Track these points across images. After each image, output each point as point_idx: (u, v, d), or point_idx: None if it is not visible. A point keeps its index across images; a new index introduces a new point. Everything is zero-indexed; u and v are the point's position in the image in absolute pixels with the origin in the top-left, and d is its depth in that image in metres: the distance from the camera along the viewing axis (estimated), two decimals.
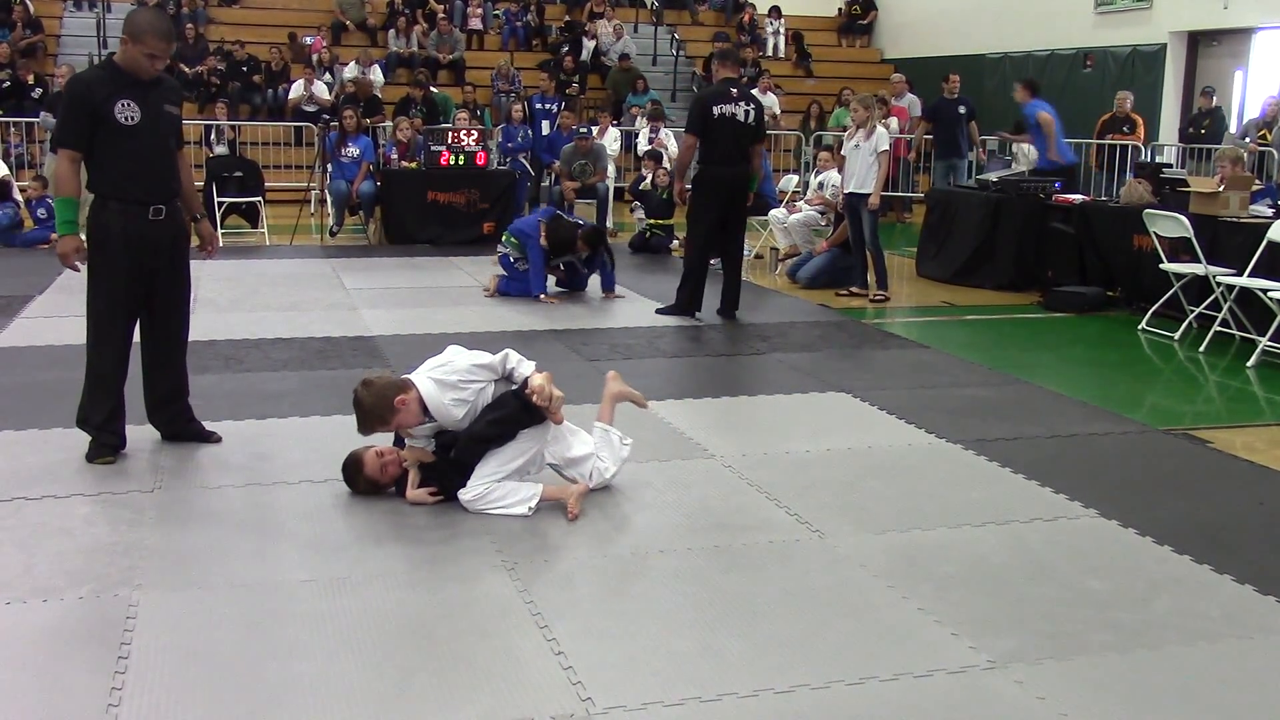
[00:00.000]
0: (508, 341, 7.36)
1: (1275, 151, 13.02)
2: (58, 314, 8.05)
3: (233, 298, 8.70)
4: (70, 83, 4.90)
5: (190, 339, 7.16)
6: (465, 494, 4.33)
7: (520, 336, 7.56)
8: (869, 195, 9.31)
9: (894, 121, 16.11)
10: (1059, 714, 3.06)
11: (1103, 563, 4.07)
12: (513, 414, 4.34)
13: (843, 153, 9.94)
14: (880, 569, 3.97)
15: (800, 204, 11.55)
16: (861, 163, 9.38)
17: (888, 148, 9.31)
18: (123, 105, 4.68)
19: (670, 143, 14.27)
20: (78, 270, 4.92)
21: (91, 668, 3.18)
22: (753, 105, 8.26)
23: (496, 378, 4.45)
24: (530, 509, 4.32)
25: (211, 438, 5.17)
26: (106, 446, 4.91)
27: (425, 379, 4.38)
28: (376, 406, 4.33)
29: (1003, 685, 3.21)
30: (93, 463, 4.85)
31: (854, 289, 9.57)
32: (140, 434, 5.22)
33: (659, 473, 4.92)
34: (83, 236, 4.88)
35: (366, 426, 4.40)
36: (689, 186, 8.60)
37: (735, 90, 8.18)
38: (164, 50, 4.74)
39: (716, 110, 8.00)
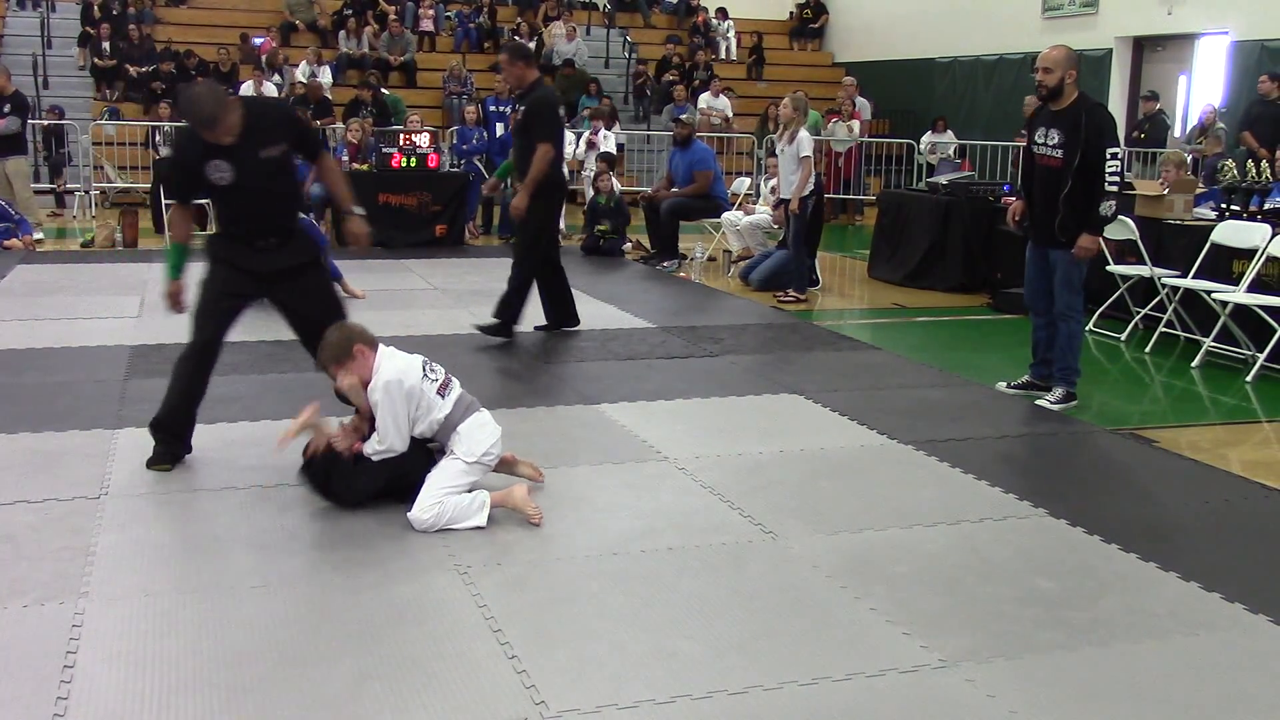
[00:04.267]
0: (461, 343, 7.36)
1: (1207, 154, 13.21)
2: (0, 318, 7.92)
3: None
4: (173, 141, 4.84)
5: (138, 343, 7.12)
6: (418, 518, 4.24)
7: (473, 338, 7.53)
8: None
9: (855, 124, 16.26)
10: (1009, 711, 3.09)
11: (1051, 561, 4.12)
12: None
13: (776, 152, 9.98)
14: (833, 569, 4.00)
15: (755, 206, 11.61)
16: (786, 168, 9.49)
17: (809, 154, 9.36)
18: (213, 166, 4.69)
19: (608, 144, 14.29)
20: (180, 313, 4.95)
21: (37, 678, 3.13)
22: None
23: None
24: (485, 522, 4.28)
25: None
26: (169, 454, 4.85)
27: (389, 351, 4.39)
28: (338, 344, 4.33)
29: (954, 684, 3.24)
30: (151, 469, 4.79)
31: (791, 291, 9.59)
32: (85, 440, 5.16)
33: (612, 475, 4.92)
34: (185, 283, 4.94)
35: (320, 361, 4.43)
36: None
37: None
38: (212, 131, 4.60)
39: (561, 114, 7.63)
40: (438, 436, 4.41)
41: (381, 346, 4.42)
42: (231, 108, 4.62)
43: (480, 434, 4.41)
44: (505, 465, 4.68)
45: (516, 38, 19.56)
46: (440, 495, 4.26)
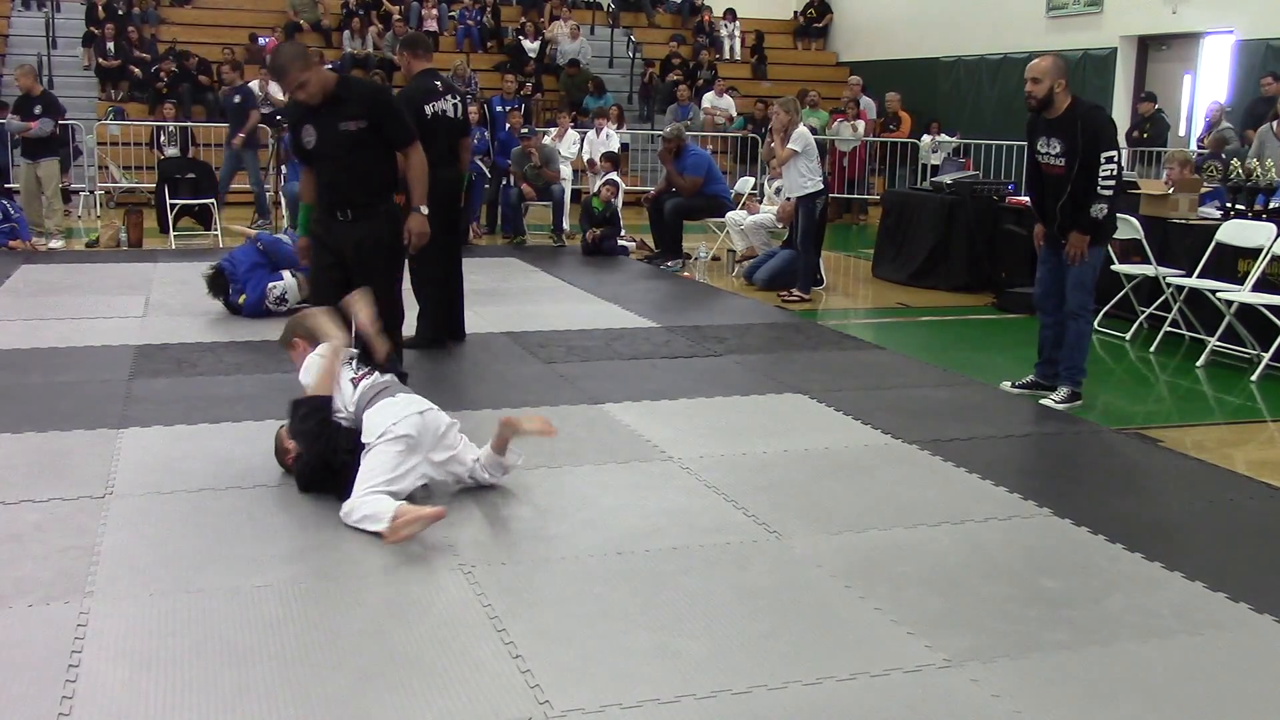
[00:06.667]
0: (461, 345, 7.36)
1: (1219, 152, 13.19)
2: (5, 317, 7.93)
3: (185, 301, 8.60)
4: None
5: (143, 343, 7.13)
6: (342, 511, 4.24)
7: (477, 339, 7.53)
8: (802, 196, 9.51)
9: (860, 124, 16.27)
10: (1013, 711, 3.09)
11: (1056, 561, 4.11)
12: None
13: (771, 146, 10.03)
14: (837, 569, 3.99)
15: (760, 206, 11.62)
16: (789, 168, 9.56)
17: (796, 146, 9.44)
18: (304, 130, 5.12)
19: (612, 143, 14.28)
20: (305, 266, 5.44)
21: (41, 678, 3.13)
22: (459, 98, 7.38)
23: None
24: (386, 529, 4.12)
25: None
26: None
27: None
28: (284, 331, 4.82)
29: (958, 684, 3.23)
30: None
31: (796, 290, 9.59)
32: (90, 439, 5.16)
33: (616, 475, 4.92)
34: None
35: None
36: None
37: (440, 84, 7.24)
38: (297, 80, 4.94)
39: (429, 109, 6.99)
40: (355, 424, 4.44)
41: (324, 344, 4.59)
42: (313, 70, 4.97)
43: (381, 414, 4.35)
44: (509, 427, 4.49)
45: (521, 38, 19.57)
46: (362, 492, 4.20)
